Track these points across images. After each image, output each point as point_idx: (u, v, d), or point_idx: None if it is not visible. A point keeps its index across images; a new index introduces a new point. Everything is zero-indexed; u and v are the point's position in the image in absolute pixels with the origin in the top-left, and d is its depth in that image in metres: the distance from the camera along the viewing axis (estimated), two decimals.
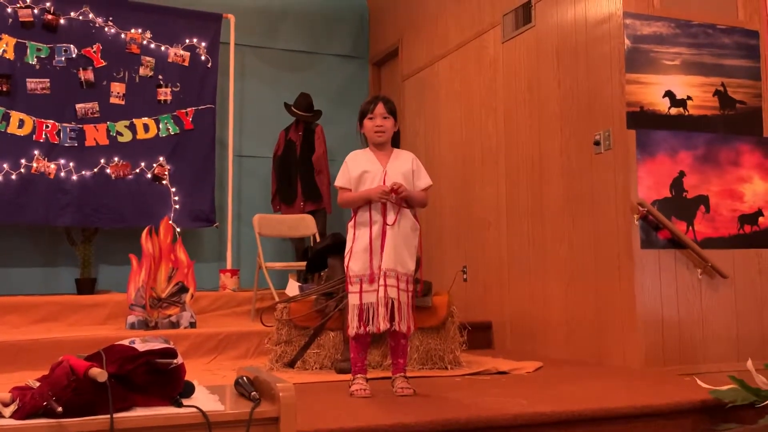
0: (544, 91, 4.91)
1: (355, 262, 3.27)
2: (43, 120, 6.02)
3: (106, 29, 6.29)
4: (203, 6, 6.74)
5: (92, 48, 6.21)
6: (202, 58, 6.58)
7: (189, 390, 2.12)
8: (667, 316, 4.15)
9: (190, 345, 4.56)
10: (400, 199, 3.26)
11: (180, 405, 2.00)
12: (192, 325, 4.90)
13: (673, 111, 4.33)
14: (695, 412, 3.03)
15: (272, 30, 7.36)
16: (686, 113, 4.36)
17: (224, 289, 5.99)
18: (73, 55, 6.15)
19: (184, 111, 6.47)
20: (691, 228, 4.29)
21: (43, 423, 1.84)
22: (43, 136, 6.00)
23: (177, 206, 6.36)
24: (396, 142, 3.45)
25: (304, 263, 5.71)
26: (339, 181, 3.38)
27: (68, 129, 6.09)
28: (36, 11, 6.06)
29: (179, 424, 1.94)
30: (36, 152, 5.97)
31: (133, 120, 6.31)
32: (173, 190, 6.37)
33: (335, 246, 4.52)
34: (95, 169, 6.14)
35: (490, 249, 5.43)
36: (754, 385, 2.98)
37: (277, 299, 4.99)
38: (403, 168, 3.35)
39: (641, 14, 4.30)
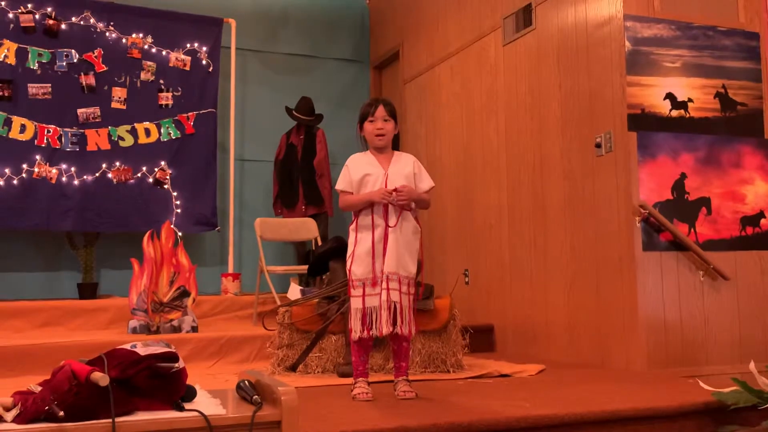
0: (544, 93, 4.91)
1: (357, 265, 3.26)
2: (44, 125, 6.02)
3: (107, 34, 6.30)
4: (204, 10, 6.75)
5: (93, 53, 6.22)
6: (203, 62, 6.59)
7: (191, 394, 2.12)
8: (669, 318, 4.14)
9: (192, 349, 4.56)
10: (403, 201, 3.26)
11: (182, 409, 2.00)
12: (194, 329, 4.90)
13: (674, 113, 4.32)
14: (698, 415, 3.03)
15: (273, 34, 7.37)
16: (687, 115, 4.36)
17: (226, 293, 5.99)
18: (75, 60, 6.16)
19: (186, 115, 6.48)
20: (692, 230, 4.29)
21: (44, 427, 1.84)
22: (45, 141, 6.01)
23: (178, 210, 6.36)
24: (396, 144, 3.45)
25: (305, 267, 5.71)
26: (340, 185, 3.38)
27: (70, 134, 6.10)
28: (37, 16, 6.08)
29: (181, 428, 1.93)
30: (37, 157, 5.98)
31: (135, 124, 6.32)
32: (175, 194, 6.37)
33: (337, 250, 4.51)
34: (97, 174, 6.14)
35: (492, 252, 5.43)
36: (757, 387, 2.97)
37: (278, 303, 4.99)
38: (405, 171, 3.35)
39: (642, 16, 4.30)
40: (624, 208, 4.20)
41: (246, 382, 2.22)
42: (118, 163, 6.22)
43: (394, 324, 3.21)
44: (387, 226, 3.25)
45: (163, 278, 4.94)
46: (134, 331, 4.78)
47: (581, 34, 4.59)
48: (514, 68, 5.26)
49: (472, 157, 5.75)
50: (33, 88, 6.01)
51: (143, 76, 6.38)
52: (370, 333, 3.22)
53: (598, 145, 4.38)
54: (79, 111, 6.14)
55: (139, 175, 6.29)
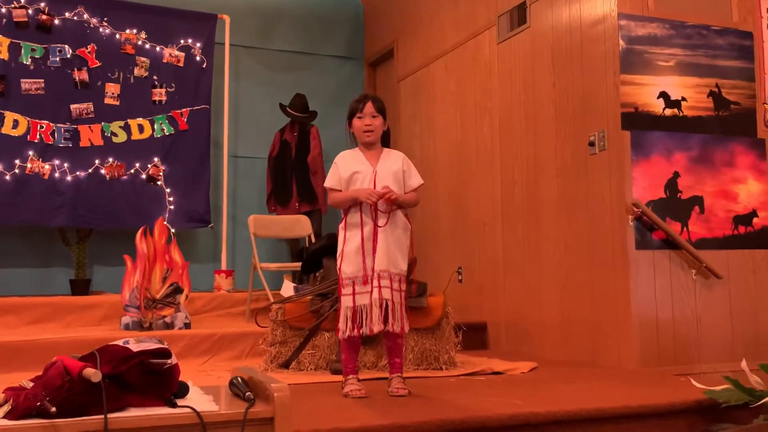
0: (539, 91, 4.91)
1: (347, 264, 3.26)
2: (37, 120, 6.00)
3: (100, 29, 6.28)
4: (198, 6, 6.73)
5: (87, 48, 6.20)
6: (197, 58, 6.57)
7: (183, 390, 2.12)
8: (661, 316, 4.16)
9: (185, 346, 4.55)
10: (389, 204, 3.25)
11: (174, 405, 2.00)
12: (186, 325, 4.89)
13: (668, 112, 4.33)
14: (690, 413, 3.04)
15: (267, 30, 7.35)
16: (681, 114, 4.37)
17: (219, 290, 5.99)
18: (68, 56, 6.14)
19: (179, 111, 6.46)
20: (685, 228, 4.30)
21: (36, 423, 1.83)
22: (38, 137, 5.99)
23: (172, 207, 6.35)
24: (386, 141, 3.44)
25: (299, 264, 5.71)
26: (329, 182, 3.36)
27: (63, 129, 6.08)
28: (30, 11, 6.05)
29: (173, 424, 1.94)
30: (30, 153, 5.96)
31: (128, 120, 6.30)
32: (168, 190, 6.36)
33: (330, 247, 4.50)
34: (90, 170, 6.13)
35: (486, 250, 5.44)
36: (749, 385, 2.99)
37: (272, 300, 4.99)
38: (393, 168, 3.34)
39: (636, 15, 4.30)
40: (617, 207, 4.21)
41: (239, 378, 2.22)
42: (111, 159, 6.20)
43: (386, 321, 3.21)
44: (375, 224, 3.25)
45: (156, 275, 4.93)
46: (127, 327, 4.77)
47: (575, 33, 4.59)
48: (508, 66, 5.26)
49: (466, 154, 5.75)
50: (26, 84, 5.99)
51: (137, 71, 6.36)
52: (360, 331, 3.21)
53: (592, 144, 4.39)
54: (72, 107, 6.12)
55: (132, 171, 6.27)
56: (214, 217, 6.59)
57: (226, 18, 6.72)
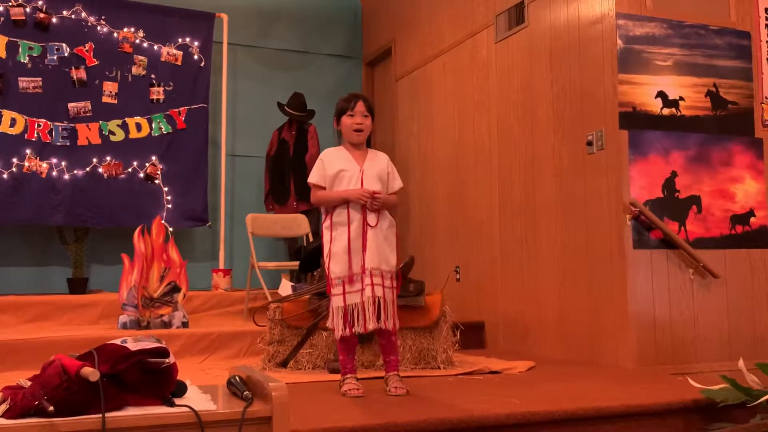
0: (536, 91, 4.91)
1: (335, 263, 3.25)
2: (35, 119, 6.00)
3: (98, 28, 6.27)
4: (196, 5, 6.72)
5: (84, 47, 6.20)
6: (195, 57, 6.57)
7: (181, 389, 2.12)
8: (659, 315, 4.16)
9: (183, 345, 4.55)
10: (376, 207, 3.27)
11: (172, 404, 2.00)
12: (184, 324, 4.89)
13: (666, 111, 4.34)
14: (687, 412, 3.04)
15: (265, 29, 7.35)
16: (678, 113, 4.37)
17: (217, 288, 5.98)
18: (66, 54, 6.13)
19: (177, 110, 6.46)
20: (683, 228, 4.31)
21: (34, 422, 1.83)
22: (35, 135, 5.99)
23: (169, 206, 6.35)
24: (369, 141, 3.46)
25: (296, 263, 5.71)
26: (313, 178, 3.36)
27: (60, 128, 6.07)
28: (28, 10, 6.04)
29: (171, 423, 1.93)
30: (28, 151, 5.95)
31: (126, 119, 6.30)
32: (166, 189, 6.36)
33: None
34: (87, 169, 6.12)
35: (483, 248, 5.44)
36: (746, 385, 2.99)
37: (269, 299, 4.99)
38: (379, 168, 3.37)
39: (634, 15, 4.31)
40: (615, 206, 4.21)
41: (237, 377, 2.22)
42: (108, 158, 6.20)
43: (378, 319, 3.21)
44: (365, 221, 3.25)
45: (154, 274, 4.93)
46: (124, 326, 4.77)
47: (573, 32, 4.59)
48: (506, 66, 5.26)
49: (464, 153, 5.75)
50: (23, 82, 5.99)
51: (134, 70, 6.35)
52: (353, 330, 3.21)
53: (590, 143, 4.39)
54: (70, 105, 6.12)
55: (129, 170, 6.27)
56: (212, 216, 6.59)
57: (224, 17, 6.72)
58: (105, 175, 6.17)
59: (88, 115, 6.17)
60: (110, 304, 5.17)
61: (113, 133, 6.23)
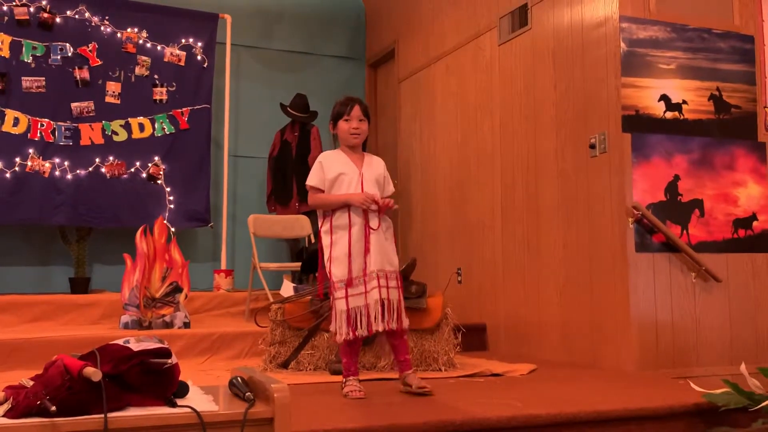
0: (539, 93, 4.91)
1: (337, 267, 3.25)
2: (38, 119, 6.00)
3: (102, 28, 6.28)
4: (200, 6, 6.73)
5: (88, 47, 6.20)
6: (198, 57, 6.57)
7: (183, 390, 2.11)
8: (661, 319, 4.16)
9: (184, 345, 4.55)
10: (379, 211, 3.28)
11: (174, 405, 1.99)
12: (186, 325, 4.89)
13: (669, 115, 4.34)
14: (688, 416, 3.04)
15: (268, 30, 7.35)
16: (681, 117, 4.37)
17: (218, 289, 5.99)
18: (69, 54, 6.14)
19: (180, 111, 6.46)
20: (685, 232, 4.30)
21: (36, 422, 1.83)
22: (38, 135, 5.99)
23: (172, 206, 6.35)
24: (364, 145, 3.47)
25: (299, 264, 5.71)
26: (312, 181, 3.36)
27: (63, 128, 6.08)
28: (32, 9, 6.05)
29: (173, 424, 1.93)
30: (31, 151, 5.96)
31: (129, 119, 6.30)
32: (168, 189, 6.36)
33: None
34: (90, 169, 6.12)
35: (485, 251, 5.44)
36: (748, 389, 2.99)
37: (271, 300, 4.99)
38: (377, 173, 3.39)
39: (637, 18, 4.31)
40: (617, 209, 4.21)
41: (238, 378, 2.22)
42: (111, 158, 6.20)
43: (384, 320, 3.21)
44: (367, 225, 3.26)
45: (156, 274, 4.93)
46: (126, 326, 4.77)
47: (577, 35, 4.59)
48: (509, 68, 5.26)
49: (467, 156, 5.75)
50: (27, 82, 5.99)
51: (138, 70, 6.36)
52: (356, 334, 3.21)
53: (593, 146, 4.39)
54: (73, 105, 6.12)
55: (132, 170, 6.27)
56: (214, 217, 6.59)
57: (228, 17, 6.73)
58: (108, 175, 6.17)
59: (91, 115, 6.17)
60: (112, 304, 5.17)
61: (116, 133, 6.24)
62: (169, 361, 2.05)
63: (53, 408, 1.83)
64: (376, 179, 3.36)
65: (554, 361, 4.54)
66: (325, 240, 3.31)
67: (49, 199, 5.97)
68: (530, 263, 4.93)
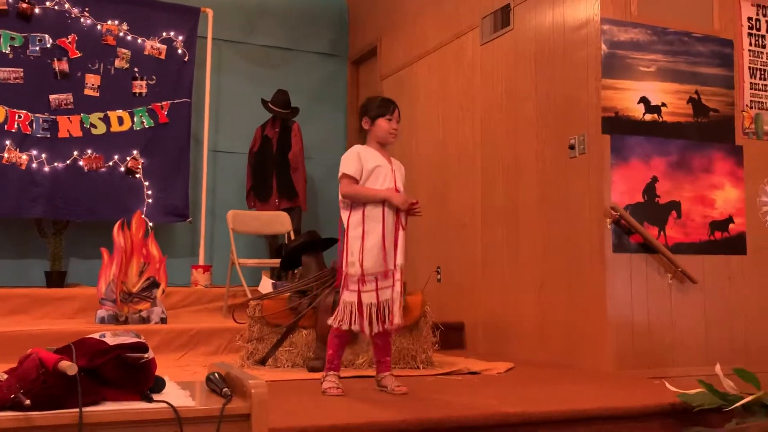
0: (520, 94, 4.93)
1: (369, 258, 3.21)
2: (15, 110, 5.94)
3: (81, 20, 6.22)
4: None
5: (67, 38, 6.14)
6: (179, 51, 6.53)
7: (160, 385, 2.10)
8: (637, 319, 4.19)
9: (161, 340, 4.52)
10: (417, 214, 3.37)
11: (150, 400, 1.98)
12: (163, 320, 4.86)
13: (648, 117, 4.37)
14: (663, 416, 3.06)
15: (250, 25, 7.32)
16: (660, 119, 4.40)
17: (196, 285, 5.95)
18: (48, 45, 6.08)
19: (160, 104, 6.42)
20: (662, 233, 4.34)
21: (10, 416, 1.81)
22: (16, 127, 5.92)
23: (150, 200, 6.31)
24: None
25: (277, 261, 5.69)
26: (350, 170, 3.29)
27: (41, 120, 6.01)
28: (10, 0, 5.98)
29: (149, 419, 1.92)
30: (8, 142, 5.89)
31: (108, 112, 6.25)
32: (146, 183, 6.31)
33: (310, 244, 4.51)
34: (68, 161, 6.07)
35: (465, 250, 5.45)
36: (722, 390, 3.02)
37: (249, 296, 4.97)
38: (401, 171, 3.44)
39: (619, 20, 4.33)
40: (596, 210, 4.23)
41: (216, 374, 2.20)
42: (89, 151, 6.14)
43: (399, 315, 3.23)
44: (398, 221, 3.29)
45: (133, 268, 4.90)
46: (102, 321, 4.73)
47: (558, 37, 4.61)
48: (491, 68, 5.28)
49: (448, 155, 5.76)
50: (4, 72, 5.92)
51: (117, 63, 6.31)
52: (373, 327, 3.19)
53: (572, 147, 4.41)
54: (52, 97, 6.06)
55: (110, 163, 6.22)
56: (193, 212, 6.56)
57: (210, 12, 6.69)
58: (85, 168, 6.12)
59: (69, 107, 6.11)
60: (88, 299, 5.12)
61: (95, 126, 6.18)
62: (146, 355, 2.04)
63: (27, 402, 1.81)
64: (401, 177, 3.42)
65: (531, 361, 4.56)
66: (356, 230, 3.24)
67: (26, 192, 5.90)
68: (509, 263, 4.95)
